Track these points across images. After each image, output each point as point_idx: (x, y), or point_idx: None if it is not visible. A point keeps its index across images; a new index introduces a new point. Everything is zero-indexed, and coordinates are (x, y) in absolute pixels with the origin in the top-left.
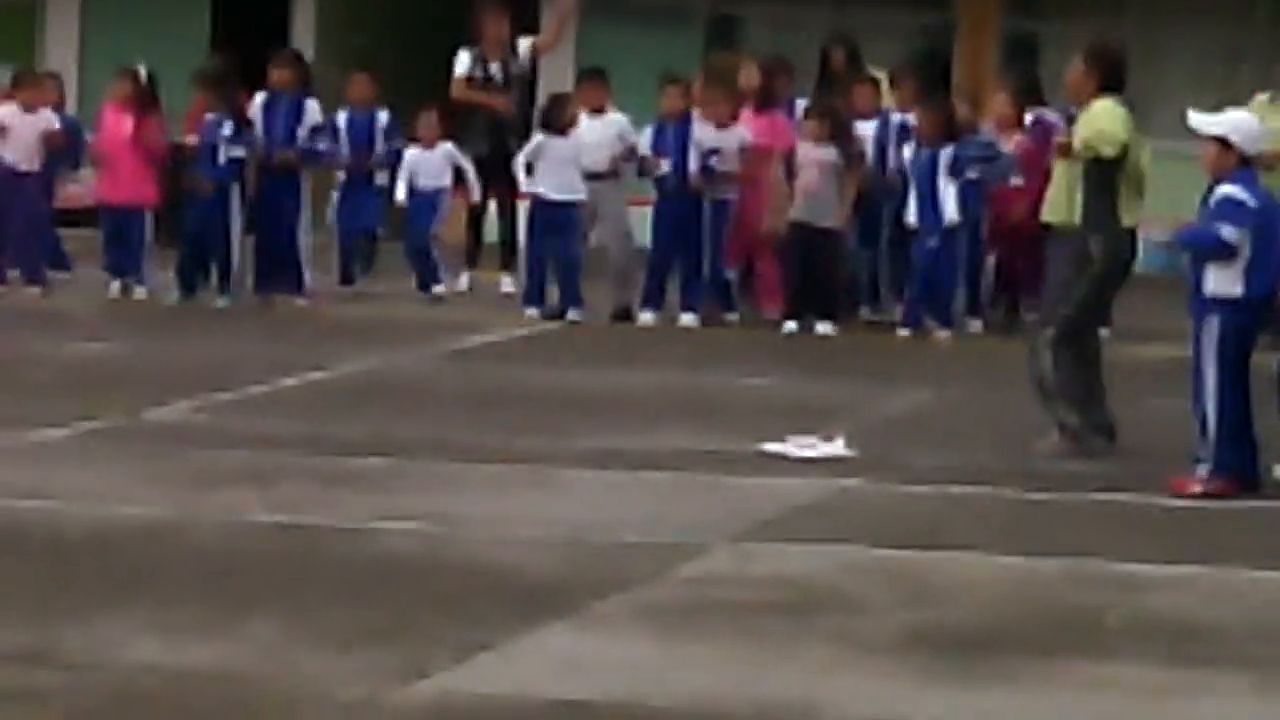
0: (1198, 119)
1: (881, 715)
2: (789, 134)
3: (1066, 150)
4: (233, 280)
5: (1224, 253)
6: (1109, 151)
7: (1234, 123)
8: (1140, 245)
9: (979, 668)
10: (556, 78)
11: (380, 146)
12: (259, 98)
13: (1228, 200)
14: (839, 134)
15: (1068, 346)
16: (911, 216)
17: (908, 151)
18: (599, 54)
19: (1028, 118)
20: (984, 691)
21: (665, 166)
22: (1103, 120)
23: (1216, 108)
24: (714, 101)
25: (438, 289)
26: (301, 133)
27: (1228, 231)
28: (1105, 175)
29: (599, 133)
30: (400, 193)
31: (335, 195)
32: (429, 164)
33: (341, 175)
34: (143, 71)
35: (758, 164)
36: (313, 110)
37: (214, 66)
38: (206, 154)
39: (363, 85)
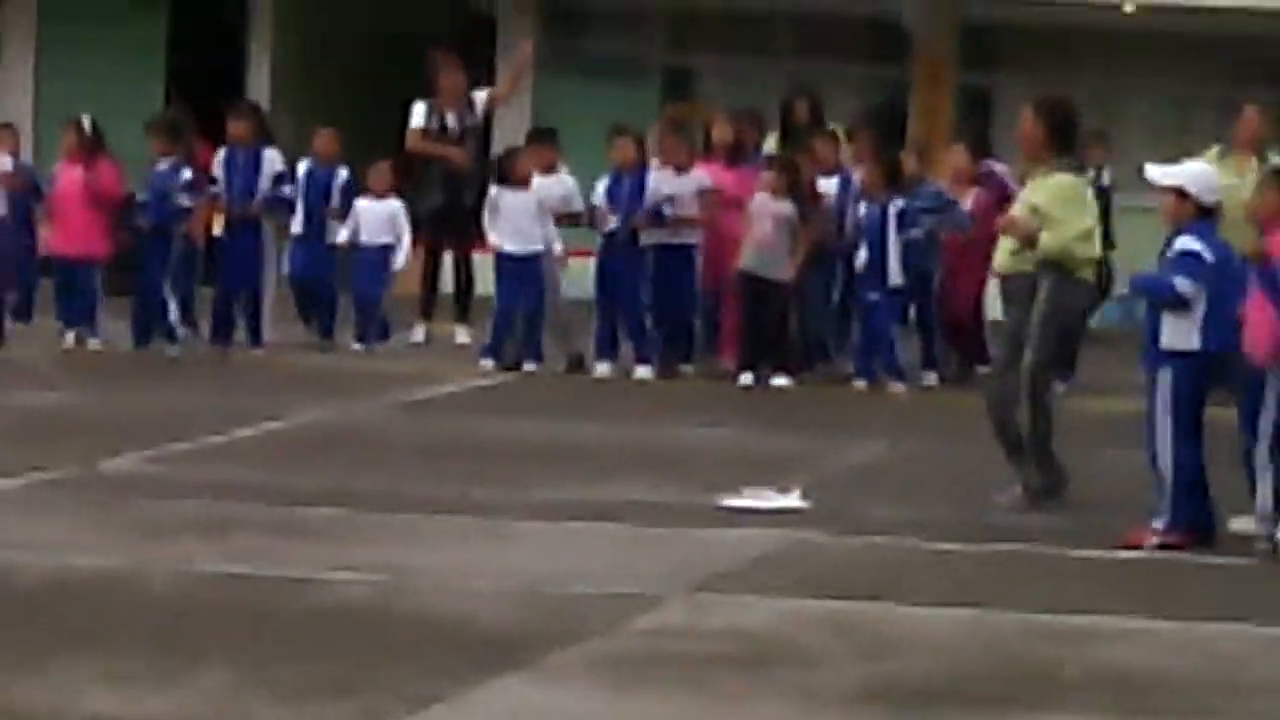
0: (1155, 171)
1: None
2: (751, 188)
3: (1027, 235)
4: (175, 329)
5: (1176, 304)
6: (1062, 259)
7: (1191, 174)
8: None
9: None
10: (511, 130)
11: (336, 201)
12: (220, 153)
13: (1185, 253)
14: (797, 188)
15: (1041, 403)
16: (859, 264)
17: (861, 209)
18: (554, 106)
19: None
20: None
21: (614, 222)
22: (1076, 233)
23: (1172, 161)
24: (672, 147)
25: (382, 346)
26: (263, 183)
27: (1181, 283)
28: None
29: (547, 191)
30: (341, 236)
31: (289, 246)
32: (376, 217)
33: (297, 228)
34: (86, 121)
35: (725, 215)
36: (272, 159)
37: (168, 114)
38: (155, 200)
39: (329, 140)
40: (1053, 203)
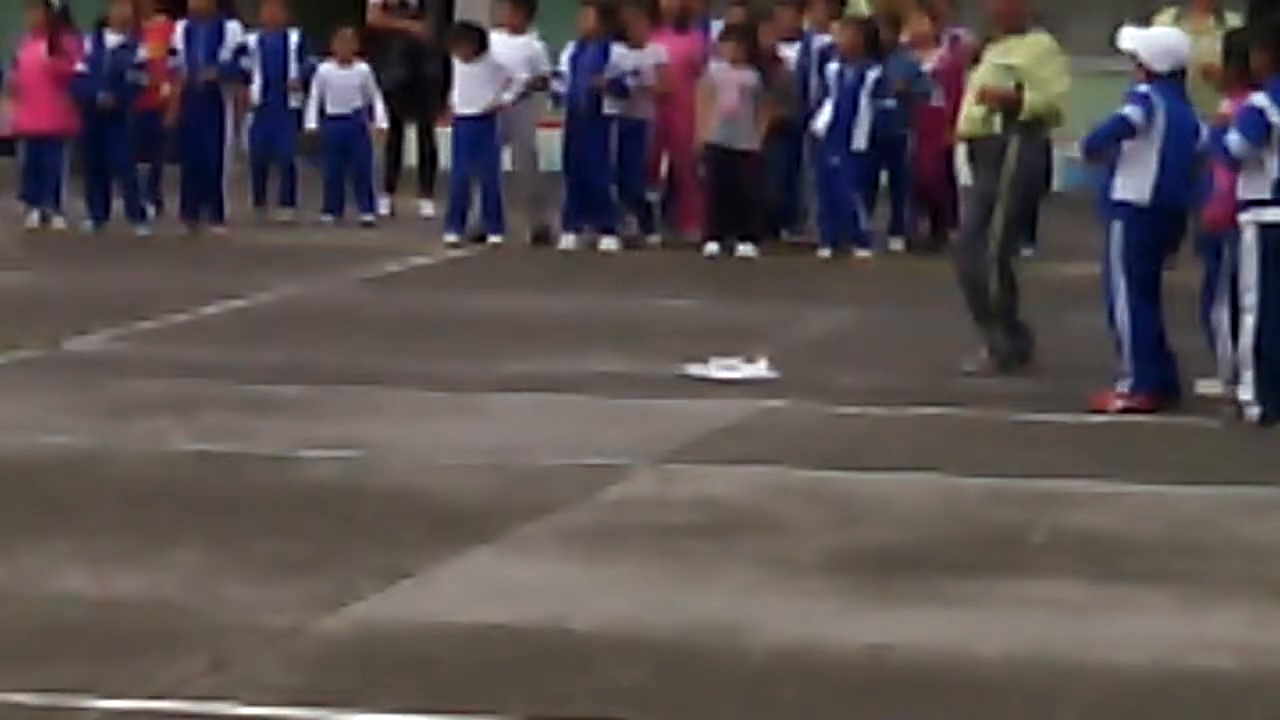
0: (1124, 34)
1: (807, 636)
2: (703, 52)
3: (1005, 100)
4: (142, 206)
5: (1127, 131)
6: (1047, 116)
7: (1144, 37)
8: (1059, 162)
9: (904, 587)
10: (473, 3)
11: (293, 68)
12: (180, 26)
13: (1135, 91)
14: (757, 55)
15: (1007, 268)
16: (819, 125)
17: (832, 68)
18: None
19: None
20: (909, 610)
21: (561, 86)
22: (1054, 86)
23: (1140, 24)
24: (633, 20)
25: (371, 215)
26: (225, 54)
27: (1131, 110)
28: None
29: (512, 54)
30: (311, 116)
31: (249, 119)
32: (343, 84)
33: (256, 98)
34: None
35: (677, 83)
36: (233, 31)
37: None
38: (106, 75)
39: (274, 7)
40: (1033, 61)
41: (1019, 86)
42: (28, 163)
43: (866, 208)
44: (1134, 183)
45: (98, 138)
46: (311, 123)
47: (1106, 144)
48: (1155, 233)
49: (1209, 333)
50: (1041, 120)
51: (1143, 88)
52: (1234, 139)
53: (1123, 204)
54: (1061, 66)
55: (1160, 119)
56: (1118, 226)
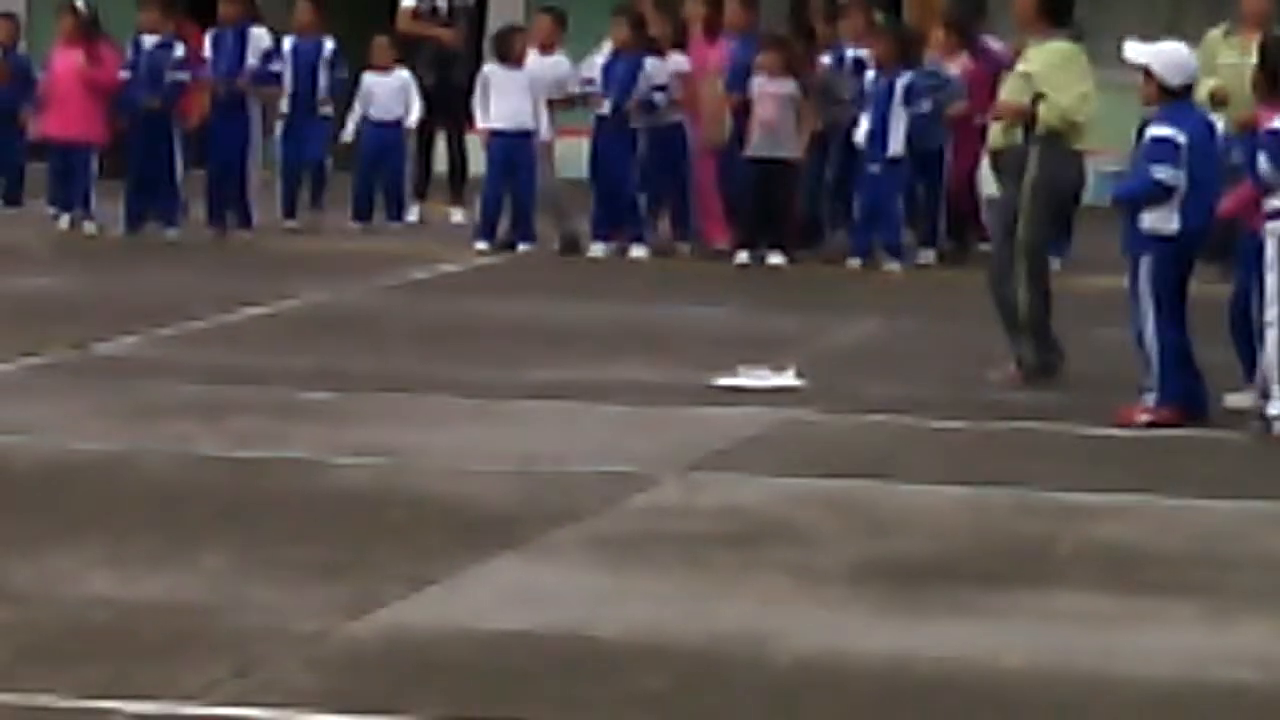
0: (1131, 49)
1: (832, 646)
2: (719, 59)
3: (1018, 114)
4: (178, 211)
5: (1162, 195)
6: (1062, 128)
7: (1157, 53)
8: (1090, 175)
9: (929, 598)
10: (507, 9)
11: (324, 76)
12: (209, 35)
13: (1155, 141)
14: (795, 65)
15: (1039, 276)
16: (859, 137)
17: (867, 81)
18: None
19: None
20: (935, 622)
21: (605, 106)
22: (1066, 95)
23: (1167, 38)
24: (659, 26)
25: (399, 224)
26: (249, 61)
27: (1161, 172)
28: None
29: (544, 72)
30: (350, 128)
31: (279, 126)
32: (386, 91)
33: (286, 106)
34: (82, 5)
35: (700, 94)
36: (258, 36)
37: None
38: (148, 79)
39: (308, 13)
40: (1046, 70)
41: (1038, 97)
42: (56, 168)
43: (901, 220)
44: (1161, 214)
45: (143, 142)
46: (349, 135)
47: (1138, 202)
48: (1183, 258)
49: (1238, 346)
50: (1061, 132)
51: (1162, 130)
52: (1264, 166)
53: (1152, 237)
54: (1077, 75)
55: (1184, 161)
56: (1148, 260)
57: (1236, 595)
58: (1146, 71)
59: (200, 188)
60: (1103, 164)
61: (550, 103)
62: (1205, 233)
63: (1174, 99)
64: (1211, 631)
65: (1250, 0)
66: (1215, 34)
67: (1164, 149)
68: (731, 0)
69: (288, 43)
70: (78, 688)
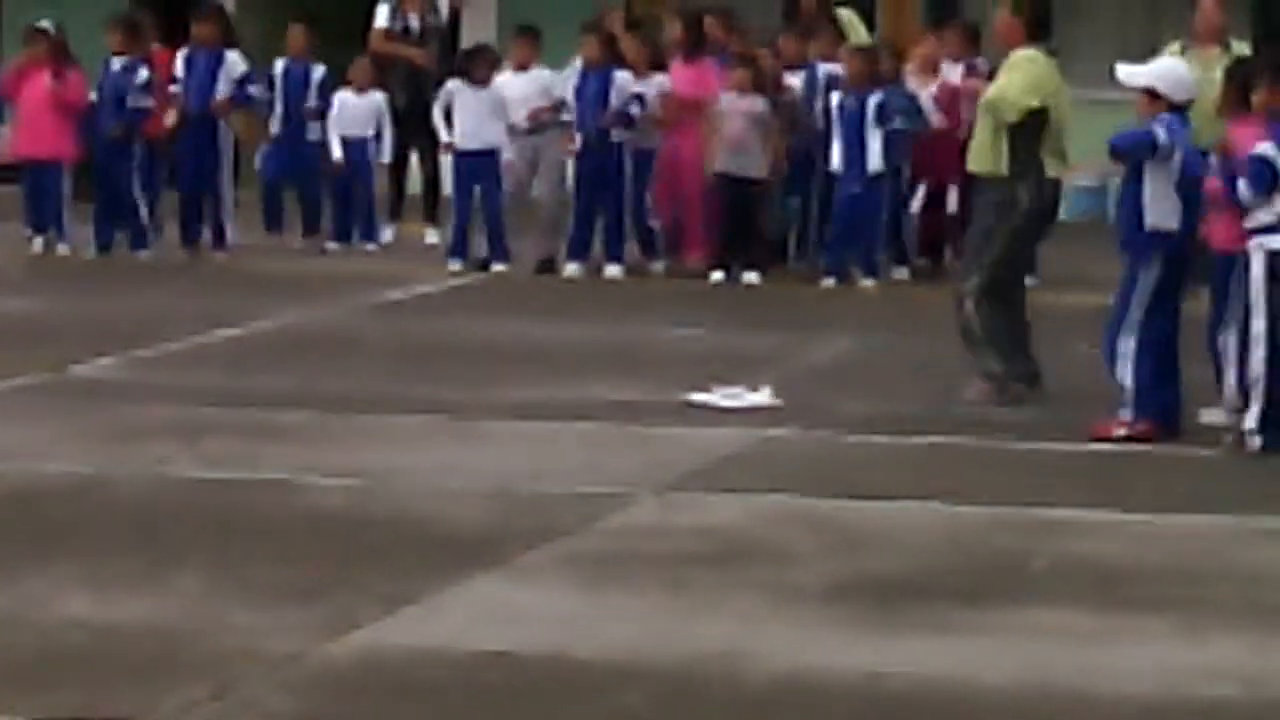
0: (1125, 71)
1: (809, 665)
2: (712, 83)
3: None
4: (146, 232)
5: (1148, 146)
6: (1009, 118)
7: (1158, 72)
8: (1063, 192)
9: (906, 616)
10: (479, 30)
11: (314, 100)
12: (180, 54)
13: (1158, 117)
14: (763, 83)
15: (994, 295)
16: (835, 163)
17: (835, 99)
18: (521, 7)
19: (955, 68)
20: (912, 639)
21: (576, 139)
22: (1013, 83)
23: (1141, 58)
24: (632, 50)
25: (373, 244)
26: (222, 85)
27: (1158, 129)
28: (1029, 126)
29: (523, 89)
30: (335, 147)
31: (264, 147)
32: (358, 110)
33: (275, 128)
34: (50, 26)
35: (682, 114)
36: (233, 62)
37: (127, 13)
38: (111, 101)
39: (299, 37)
40: (1007, 66)
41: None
42: (29, 189)
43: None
44: (1164, 210)
45: (105, 164)
46: (337, 152)
47: (1129, 152)
48: (1183, 258)
49: (1216, 362)
50: (1038, 158)
51: (1165, 116)
52: (1244, 191)
53: (1155, 233)
54: (1044, 76)
55: (1178, 152)
56: (1150, 259)
57: (1214, 611)
58: (1150, 93)
59: (172, 208)
60: (1077, 179)
61: (537, 115)
62: (1193, 235)
63: (1175, 112)
64: (1189, 647)
65: (1206, 15)
66: (1172, 50)
67: (1160, 121)
68: (711, 22)
69: (279, 65)
70: (52, 710)
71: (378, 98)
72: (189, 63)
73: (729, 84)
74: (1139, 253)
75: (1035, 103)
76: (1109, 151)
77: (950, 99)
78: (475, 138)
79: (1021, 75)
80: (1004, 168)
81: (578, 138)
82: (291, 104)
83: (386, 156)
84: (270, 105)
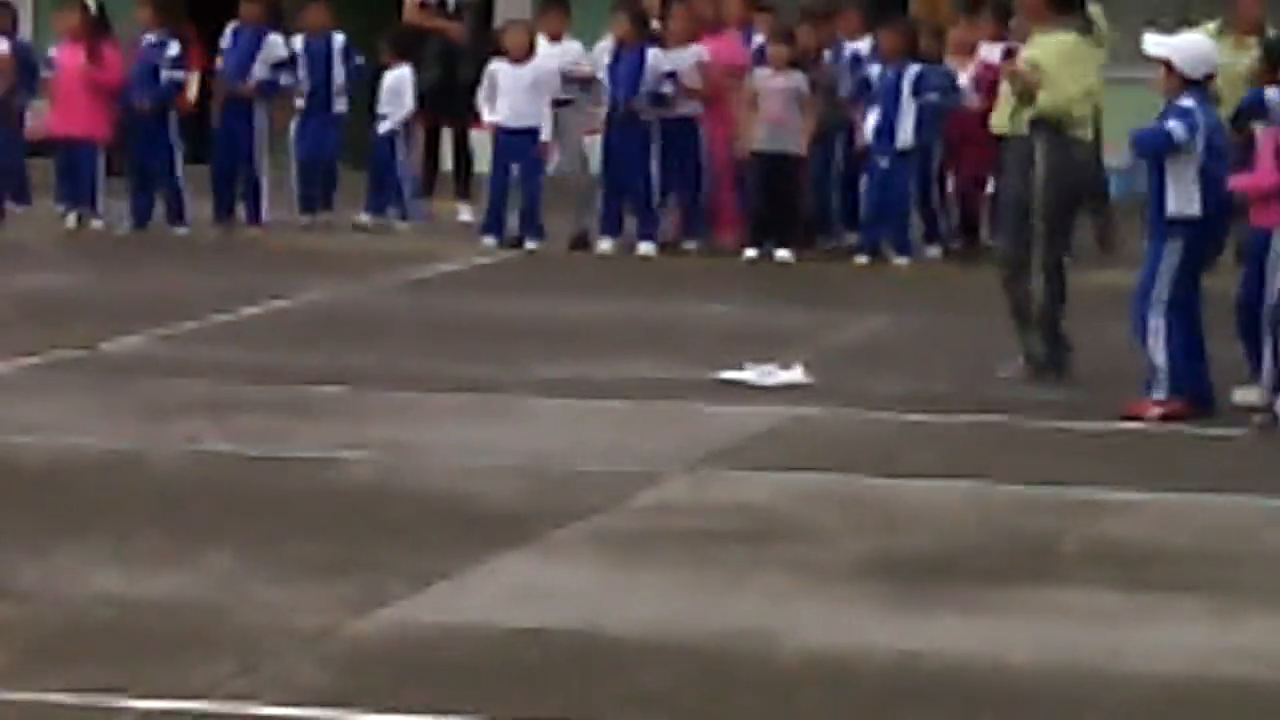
0: (1151, 40)
1: (839, 642)
2: (742, 54)
3: (1028, 84)
4: (184, 206)
5: (1170, 149)
6: (1060, 117)
7: (1179, 45)
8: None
9: (936, 594)
10: (514, 5)
11: (339, 71)
12: (228, 31)
13: (1177, 106)
14: (801, 60)
15: (1060, 273)
16: (867, 135)
17: (872, 74)
18: None
19: (993, 49)
20: (941, 617)
21: (602, 109)
22: (1064, 90)
23: (1174, 31)
24: (677, 18)
25: (404, 222)
26: (259, 66)
27: (1175, 126)
28: None
29: (555, 60)
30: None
31: (294, 124)
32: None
33: (300, 103)
34: (91, 2)
35: (717, 85)
36: (273, 44)
37: None
38: (145, 76)
39: (318, 13)
40: (1052, 60)
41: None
42: (63, 166)
43: (911, 213)
44: (1184, 196)
45: (141, 140)
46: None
47: (1148, 151)
48: (1204, 244)
49: (1245, 340)
50: (1060, 122)
51: (1186, 102)
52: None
53: (1175, 220)
54: (1086, 69)
55: (1200, 136)
56: (1172, 243)
57: (1244, 591)
58: (1167, 65)
59: (204, 184)
60: (1110, 159)
61: (570, 81)
62: (1223, 219)
63: (1196, 88)
64: (1219, 628)
65: (1246, 3)
66: (1209, 29)
67: (1182, 112)
68: None
69: (298, 43)
70: (84, 685)
71: (403, 72)
72: (233, 39)
73: (767, 61)
74: (1162, 237)
75: (1089, 106)
76: (1130, 143)
77: (991, 79)
78: (517, 116)
79: (1069, 77)
80: (1024, 127)
81: (601, 114)
82: (315, 79)
83: (386, 126)
84: (293, 89)
